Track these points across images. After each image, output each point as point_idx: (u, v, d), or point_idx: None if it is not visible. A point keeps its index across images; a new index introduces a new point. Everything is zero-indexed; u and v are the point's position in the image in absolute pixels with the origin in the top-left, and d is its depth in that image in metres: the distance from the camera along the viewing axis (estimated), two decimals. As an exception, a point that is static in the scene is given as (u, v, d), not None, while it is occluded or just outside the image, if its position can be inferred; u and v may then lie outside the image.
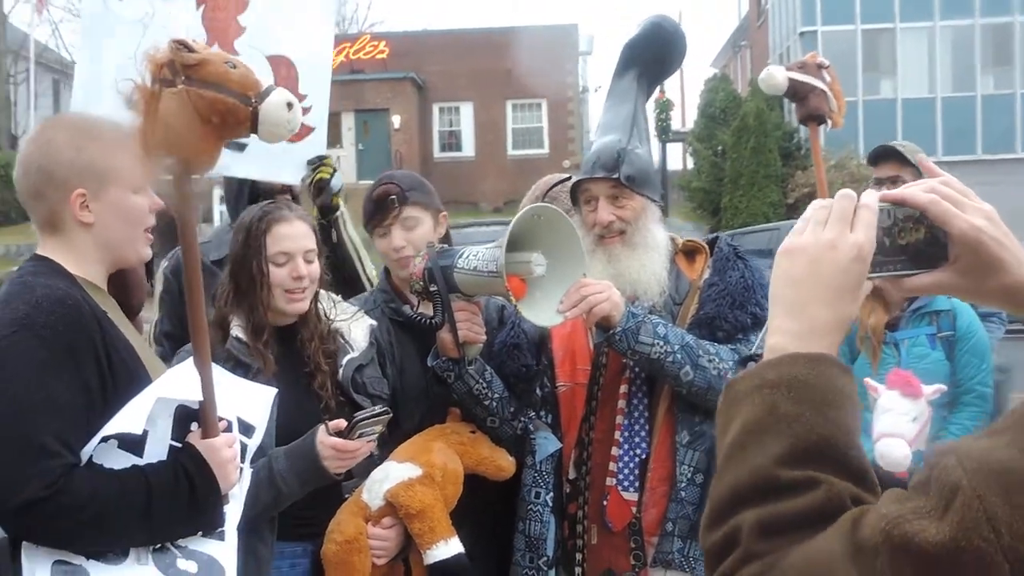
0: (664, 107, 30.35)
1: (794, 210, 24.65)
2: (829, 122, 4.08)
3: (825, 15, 29.82)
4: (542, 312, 2.51)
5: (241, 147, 2.90)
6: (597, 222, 2.74)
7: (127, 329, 2.18)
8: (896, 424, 3.21)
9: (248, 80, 2.00)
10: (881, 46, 30.26)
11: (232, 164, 3.06)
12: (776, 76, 3.96)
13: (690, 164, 33.19)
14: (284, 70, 3.32)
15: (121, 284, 2.43)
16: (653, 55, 2.88)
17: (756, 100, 27.60)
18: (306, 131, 3.36)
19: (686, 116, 36.12)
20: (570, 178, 3.21)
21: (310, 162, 3.49)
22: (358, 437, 2.45)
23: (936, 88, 29.82)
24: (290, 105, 2.00)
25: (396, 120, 31.66)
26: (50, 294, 1.99)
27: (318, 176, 3.49)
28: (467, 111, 33.60)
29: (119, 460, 2.00)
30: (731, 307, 2.67)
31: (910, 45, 30.22)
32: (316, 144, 3.50)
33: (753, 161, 26.42)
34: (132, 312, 2.70)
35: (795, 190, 25.69)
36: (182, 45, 1.96)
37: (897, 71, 30.20)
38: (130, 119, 1.99)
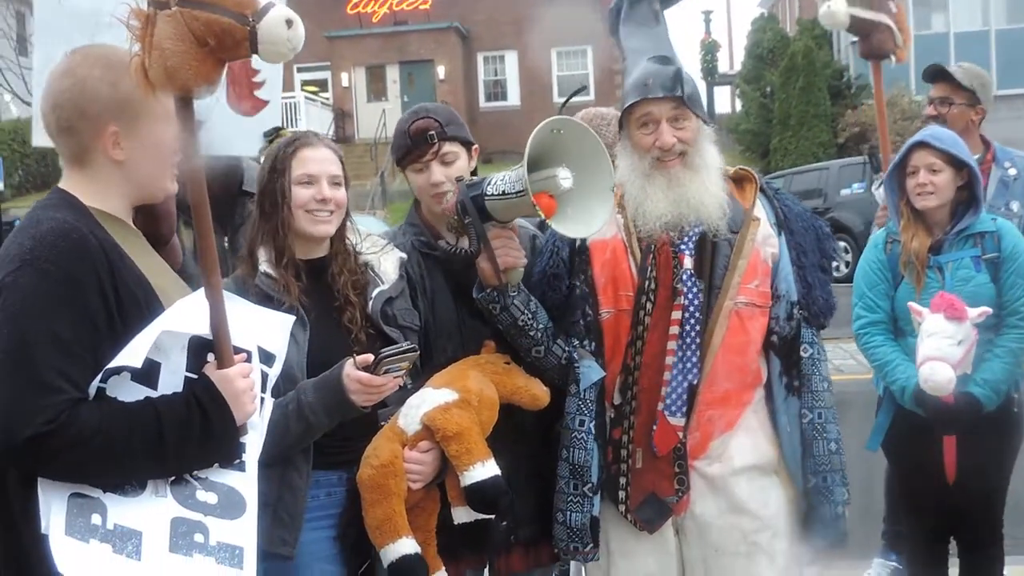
0: (710, 48, 29.96)
1: (844, 150, 24.34)
2: (893, 57, 4.13)
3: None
4: (576, 224, 2.53)
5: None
6: (659, 144, 2.70)
7: (145, 260, 2.12)
8: (940, 348, 3.21)
9: None
10: (932, -23, 29.49)
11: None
12: (838, 13, 3.94)
13: (738, 107, 32.78)
14: None
15: (148, 213, 2.40)
16: None
17: (805, 39, 27.13)
18: (260, 104, 3.44)
19: (734, 59, 35.58)
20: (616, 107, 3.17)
21: (266, 134, 3.53)
22: (384, 372, 2.43)
23: (990, 20, 29.03)
24: (289, 22, 1.91)
25: (441, 71, 31.55)
26: (55, 227, 1.95)
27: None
28: (512, 60, 33.38)
29: (133, 393, 1.96)
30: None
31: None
32: (270, 118, 3.58)
33: (802, 101, 25.98)
34: (162, 241, 2.67)
35: (845, 129, 25.30)
36: None
37: (948, 4, 29.43)
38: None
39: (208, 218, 2.04)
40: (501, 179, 2.56)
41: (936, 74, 4.37)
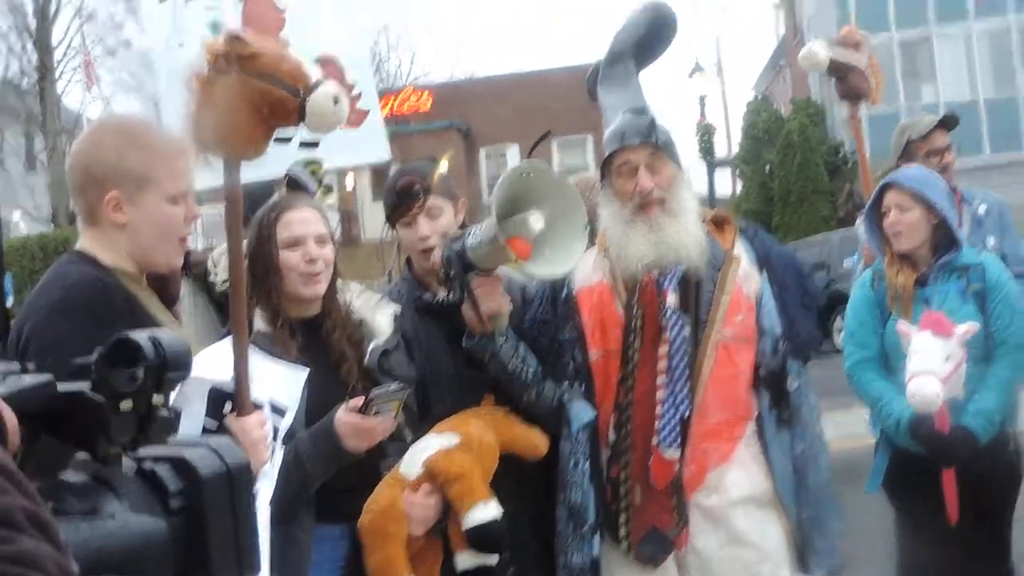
0: (707, 131, 30.33)
1: (845, 223, 24.51)
2: (869, 99, 4.28)
3: (860, 25, 29.54)
4: (554, 265, 2.61)
5: (314, 144, 3.18)
6: (638, 190, 2.79)
7: (163, 315, 2.22)
8: (927, 362, 3.21)
9: (298, 72, 2.06)
10: (919, 52, 30.05)
11: (311, 156, 3.32)
12: (818, 54, 4.11)
13: (738, 188, 33.14)
14: (330, 68, 3.67)
15: (158, 276, 2.49)
16: (646, 39, 2.99)
17: (799, 117, 27.58)
18: (362, 115, 3.64)
19: (731, 142, 36.09)
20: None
21: (302, 162, 3.63)
22: (375, 414, 2.46)
23: (977, 90, 29.53)
24: (336, 99, 2.04)
25: (444, 165, 31.95)
26: (82, 279, 2.04)
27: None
28: (513, 153, 33.82)
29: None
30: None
31: (947, 49, 29.98)
32: (374, 124, 3.82)
33: (801, 177, 26.32)
34: (169, 302, 2.75)
35: (847, 202, 25.56)
36: (237, 39, 2.02)
37: (937, 76, 29.99)
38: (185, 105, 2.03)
39: (242, 274, 2.16)
40: (479, 229, 2.66)
41: (951, 122, 4.59)
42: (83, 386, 0.86)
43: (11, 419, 0.75)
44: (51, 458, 0.86)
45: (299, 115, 2.06)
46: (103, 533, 0.82)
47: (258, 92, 2.01)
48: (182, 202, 2.21)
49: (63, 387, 0.86)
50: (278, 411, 2.32)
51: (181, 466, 0.91)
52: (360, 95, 3.75)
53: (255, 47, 2.02)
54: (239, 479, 0.94)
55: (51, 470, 0.84)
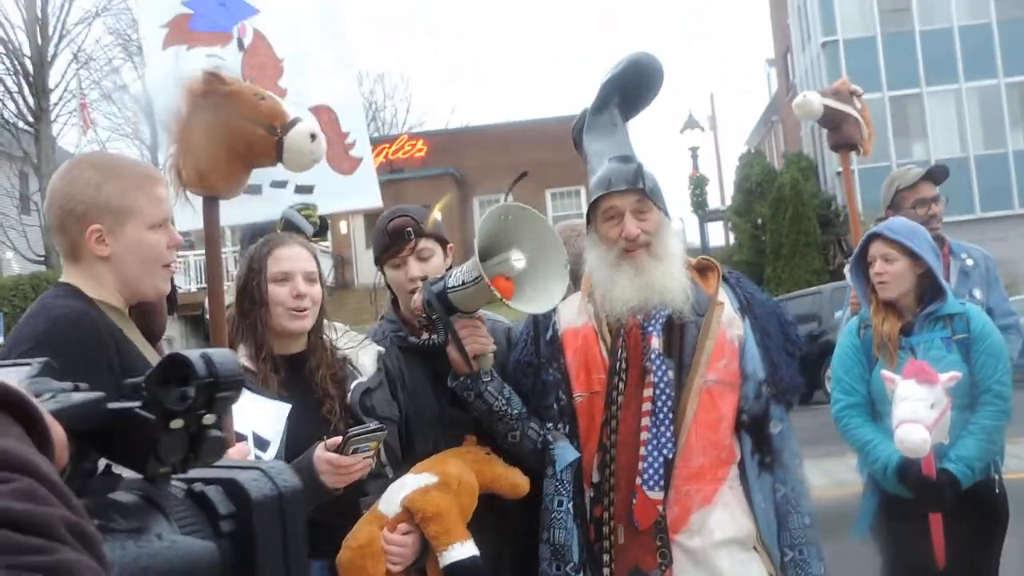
0: (699, 183, 30.64)
1: (836, 276, 24.67)
2: (860, 149, 4.34)
3: (853, 84, 30.15)
4: (535, 303, 2.64)
5: (309, 189, 3.23)
6: (624, 235, 2.82)
7: (146, 350, 2.23)
8: (914, 410, 3.25)
9: (275, 111, 2.07)
10: (910, 111, 30.45)
11: (305, 200, 3.37)
12: (813, 103, 4.17)
13: (731, 240, 33.35)
14: (325, 115, 3.75)
15: (142, 311, 2.50)
16: (631, 88, 3.03)
17: (791, 171, 27.84)
18: (356, 163, 3.72)
19: (725, 194, 36.39)
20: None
21: (295, 206, 3.65)
22: (353, 452, 2.47)
23: (968, 147, 29.88)
24: (313, 136, 2.06)
25: (438, 215, 32.14)
26: (68, 313, 2.05)
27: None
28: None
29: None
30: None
31: (938, 108, 30.39)
32: (367, 172, 3.89)
33: (793, 231, 26.52)
34: (154, 338, 2.77)
35: (837, 256, 25.69)
36: (215, 76, 2.05)
37: (928, 134, 30.36)
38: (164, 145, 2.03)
39: (222, 308, 2.18)
40: (460, 271, 2.69)
41: (938, 173, 4.66)
42: (134, 404, 0.84)
43: (59, 434, 0.73)
44: (101, 477, 0.85)
45: (277, 153, 2.07)
46: (150, 552, 0.80)
47: (235, 130, 2.03)
48: (163, 229, 2.21)
49: (113, 405, 0.84)
50: (261, 444, 2.32)
51: (232, 488, 0.89)
52: (354, 143, 3.83)
53: (233, 86, 2.05)
54: (291, 503, 0.92)
55: (101, 489, 0.83)
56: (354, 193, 3.88)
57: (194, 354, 0.87)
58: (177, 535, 0.83)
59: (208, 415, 0.86)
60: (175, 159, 2.06)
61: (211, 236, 2.18)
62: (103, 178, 2.17)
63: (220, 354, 0.88)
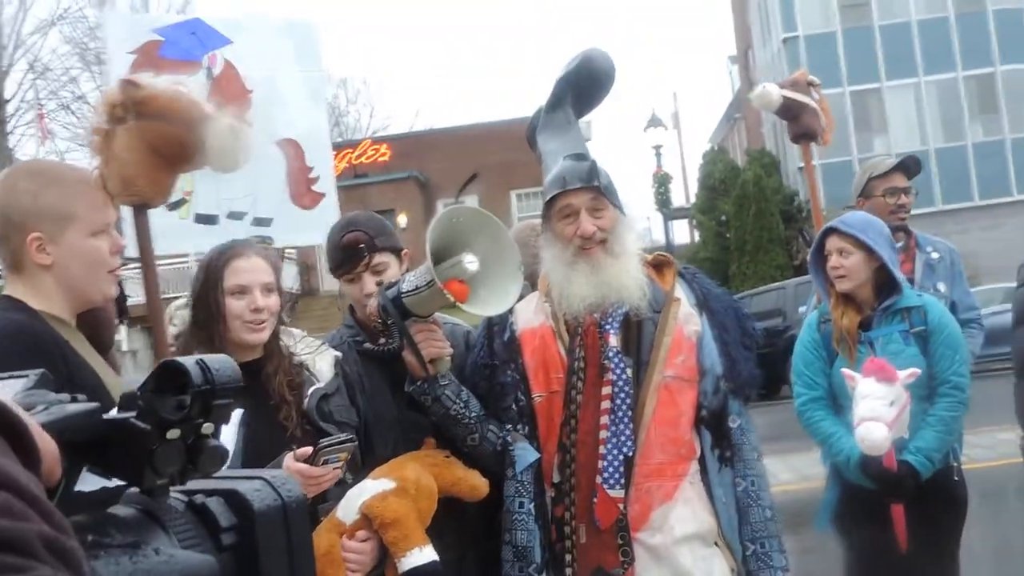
0: (663, 180, 30.79)
1: (800, 271, 24.89)
2: (820, 139, 4.35)
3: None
4: (490, 305, 2.64)
5: (267, 222, 3.21)
6: (580, 233, 2.81)
7: (93, 359, 2.21)
8: (874, 408, 3.30)
9: (194, 110, 2.03)
10: (870, 105, 30.81)
11: (262, 232, 3.36)
12: (771, 94, 4.17)
13: (696, 238, 33.56)
14: (292, 149, 3.74)
15: (90, 322, 2.47)
16: (583, 86, 3.01)
17: (754, 168, 28.04)
18: (318, 198, 3.73)
19: (689, 192, 36.59)
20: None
21: (252, 239, 3.71)
22: (323, 463, 2.46)
23: (928, 140, 30.26)
24: (233, 129, 2.03)
25: (403, 220, 32.13)
26: (10, 325, 2.02)
27: None
28: (472, 204, 34.06)
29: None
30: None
31: (897, 102, 30.78)
32: (329, 208, 3.84)
33: (756, 227, 26.75)
34: (103, 348, 2.73)
35: (800, 251, 25.92)
36: (130, 83, 2.02)
37: (888, 128, 30.71)
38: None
39: (162, 318, 2.15)
40: (413, 275, 2.67)
41: (911, 164, 4.64)
42: (129, 415, 0.81)
43: (50, 448, 0.70)
44: (99, 492, 0.81)
45: (202, 155, 2.03)
46: (145, 568, 0.76)
47: (155, 133, 1.99)
48: (105, 235, 2.19)
49: (108, 416, 0.80)
50: None
51: (234, 500, 0.85)
52: (318, 178, 3.84)
53: (149, 90, 2.01)
54: (295, 513, 0.89)
55: (99, 503, 0.80)
56: (313, 228, 3.86)
57: (190, 361, 0.84)
58: (176, 549, 0.80)
59: (206, 424, 0.83)
60: (100, 170, 2.03)
61: (144, 246, 2.15)
62: (40, 186, 2.14)
63: (217, 360, 0.86)
